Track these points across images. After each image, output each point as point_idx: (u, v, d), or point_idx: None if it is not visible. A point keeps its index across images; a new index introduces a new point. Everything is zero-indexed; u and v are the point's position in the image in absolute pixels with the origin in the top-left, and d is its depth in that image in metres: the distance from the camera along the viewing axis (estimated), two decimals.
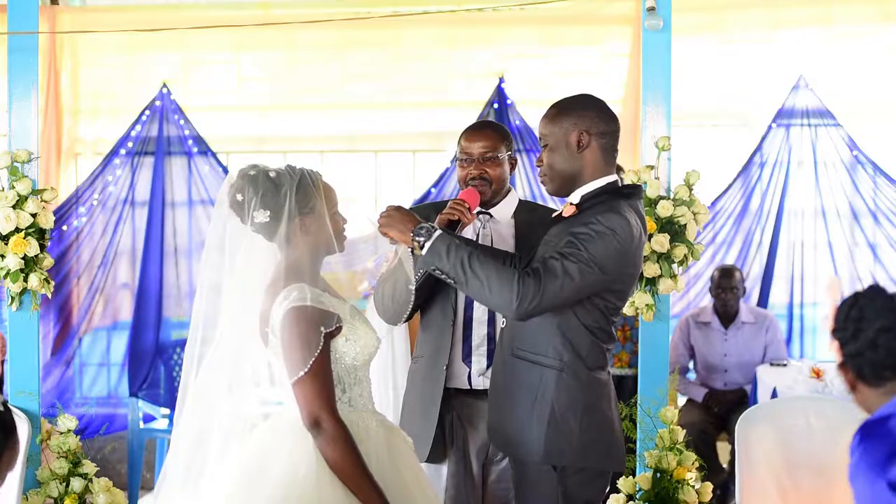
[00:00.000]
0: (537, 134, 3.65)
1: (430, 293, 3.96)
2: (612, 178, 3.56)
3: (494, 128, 4.08)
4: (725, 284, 6.75)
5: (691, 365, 6.85)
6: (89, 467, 4.78)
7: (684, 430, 4.60)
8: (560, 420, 3.46)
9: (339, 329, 3.20)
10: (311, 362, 3.10)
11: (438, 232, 3.42)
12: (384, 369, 4.98)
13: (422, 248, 3.42)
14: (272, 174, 3.26)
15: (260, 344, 3.26)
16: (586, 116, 3.54)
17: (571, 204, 3.54)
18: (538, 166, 3.62)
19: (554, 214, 3.65)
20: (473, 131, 4.04)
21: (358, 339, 3.24)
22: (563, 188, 3.58)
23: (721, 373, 6.73)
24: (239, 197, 3.24)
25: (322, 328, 3.13)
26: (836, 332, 2.38)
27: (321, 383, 3.12)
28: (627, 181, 4.65)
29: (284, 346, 3.14)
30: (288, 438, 3.18)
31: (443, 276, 3.43)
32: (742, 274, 6.88)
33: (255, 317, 3.25)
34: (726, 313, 6.79)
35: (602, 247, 3.36)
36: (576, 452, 3.47)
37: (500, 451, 3.76)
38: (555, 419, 3.46)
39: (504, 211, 4.03)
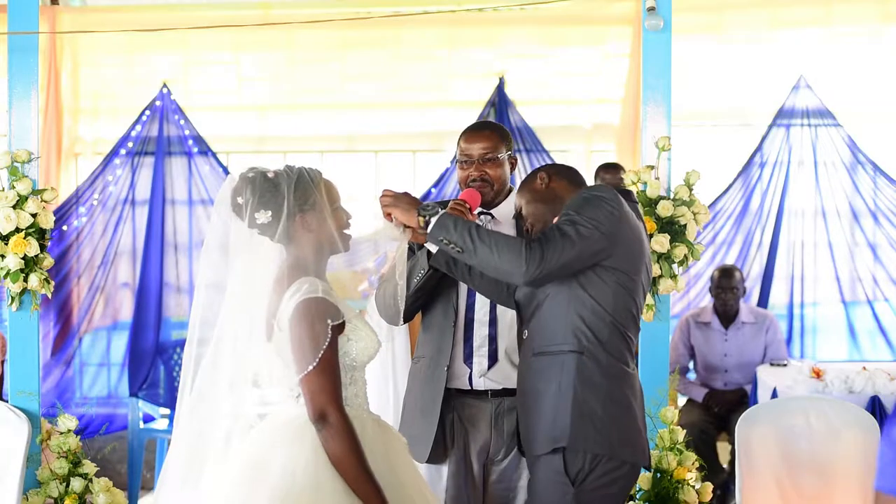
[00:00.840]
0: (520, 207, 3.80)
1: (432, 294, 3.96)
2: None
3: (494, 128, 4.09)
4: (725, 284, 6.74)
5: (691, 365, 6.85)
6: (89, 467, 4.78)
7: (684, 431, 4.60)
8: (583, 402, 3.47)
9: (344, 325, 3.21)
10: (320, 355, 3.11)
11: (443, 210, 3.52)
12: (384, 369, 4.98)
13: (426, 224, 3.50)
14: (270, 174, 3.28)
15: (261, 342, 3.26)
16: (537, 172, 3.78)
17: None
18: (528, 231, 3.77)
19: None
20: (473, 132, 4.04)
21: (360, 339, 3.25)
22: (551, 221, 3.68)
23: (721, 373, 6.72)
24: (239, 199, 3.26)
25: (330, 321, 3.14)
26: None
27: (329, 377, 3.13)
28: (627, 181, 4.67)
29: (294, 338, 3.15)
30: (286, 436, 3.18)
31: (450, 247, 3.48)
32: (742, 274, 6.87)
33: (256, 317, 3.26)
34: (726, 313, 6.78)
35: (593, 209, 3.48)
36: (601, 437, 3.46)
37: (528, 452, 3.68)
38: (578, 402, 3.47)
39: (505, 211, 4.03)
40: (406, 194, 3.62)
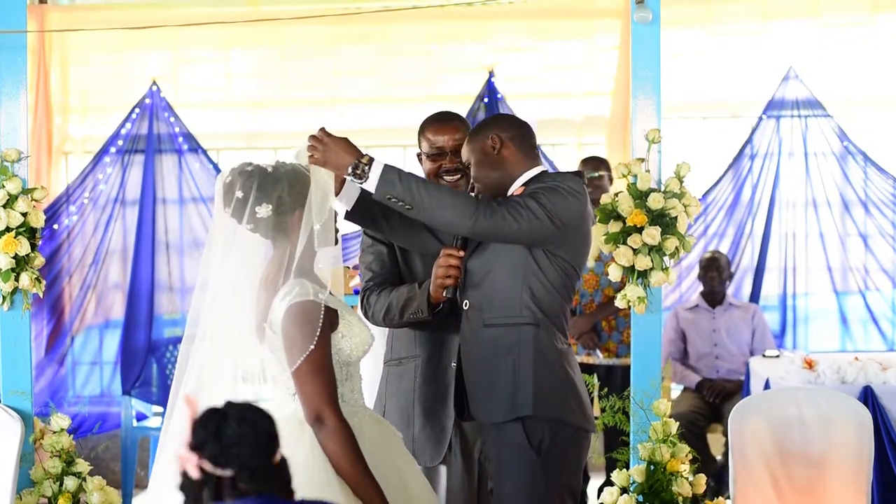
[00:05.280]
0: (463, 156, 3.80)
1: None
2: (541, 168, 3.74)
3: (461, 118, 4.12)
4: (710, 265, 6.84)
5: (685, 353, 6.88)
6: (83, 466, 4.77)
7: (677, 423, 4.60)
8: (541, 373, 3.57)
9: (336, 324, 3.21)
10: (309, 355, 3.11)
11: (381, 164, 3.48)
12: (377, 369, 4.96)
13: (364, 180, 3.46)
14: (269, 169, 3.27)
15: (254, 340, 3.26)
16: (493, 126, 3.76)
17: (521, 186, 3.68)
18: (471, 190, 3.78)
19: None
20: (442, 124, 4.04)
21: (353, 335, 3.25)
22: (498, 196, 3.70)
23: (711, 347, 6.76)
24: (239, 194, 3.23)
25: (321, 323, 3.14)
26: None
27: (324, 378, 3.13)
28: (616, 175, 4.68)
29: (286, 341, 3.15)
30: (282, 433, 3.18)
31: (394, 202, 3.48)
32: (727, 258, 6.92)
33: (248, 313, 3.25)
34: (713, 297, 6.84)
35: (562, 201, 3.55)
36: (559, 406, 3.59)
37: (484, 419, 3.71)
38: (537, 373, 3.57)
39: None
40: (336, 143, 3.46)
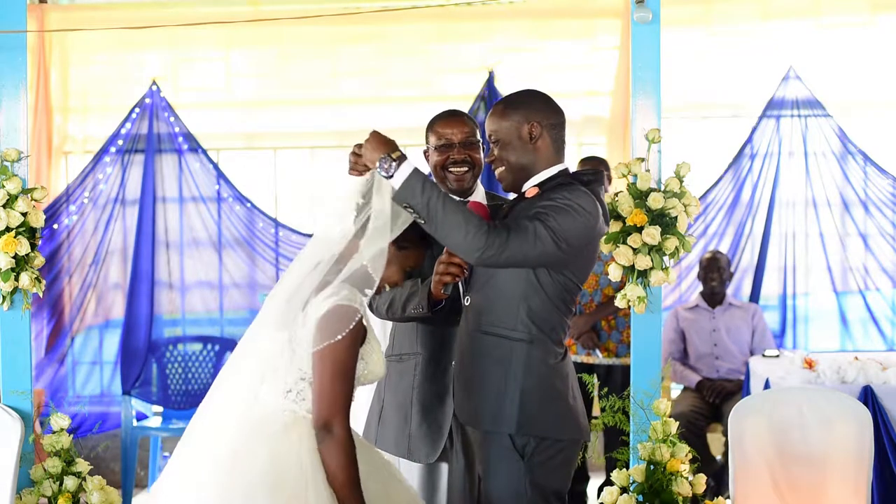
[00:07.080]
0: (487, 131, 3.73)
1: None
2: (563, 166, 3.68)
3: (469, 116, 4.15)
4: (712, 266, 6.86)
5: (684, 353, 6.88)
6: (83, 466, 4.77)
7: (677, 423, 4.61)
8: (528, 391, 3.54)
9: (362, 343, 3.21)
10: (339, 361, 3.12)
11: (411, 167, 3.41)
12: None
13: (389, 176, 3.39)
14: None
15: (272, 327, 3.23)
16: (535, 109, 3.65)
17: (534, 187, 3.63)
18: (489, 162, 3.71)
19: (514, 197, 3.74)
20: (451, 118, 4.07)
21: (371, 362, 3.25)
22: (518, 181, 3.67)
23: (711, 347, 6.77)
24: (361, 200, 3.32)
25: (357, 332, 3.15)
26: None
27: (344, 385, 3.13)
28: (616, 175, 4.67)
29: (320, 337, 3.14)
30: (269, 432, 3.16)
31: (409, 210, 3.41)
32: (727, 258, 6.93)
33: (291, 307, 3.25)
34: (713, 298, 6.85)
35: (570, 221, 3.47)
36: (544, 421, 3.55)
37: (469, 425, 3.72)
38: (524, 391, 3.53)
39: (478, 198, 4.06)
40: (377, 137, 3.45)
